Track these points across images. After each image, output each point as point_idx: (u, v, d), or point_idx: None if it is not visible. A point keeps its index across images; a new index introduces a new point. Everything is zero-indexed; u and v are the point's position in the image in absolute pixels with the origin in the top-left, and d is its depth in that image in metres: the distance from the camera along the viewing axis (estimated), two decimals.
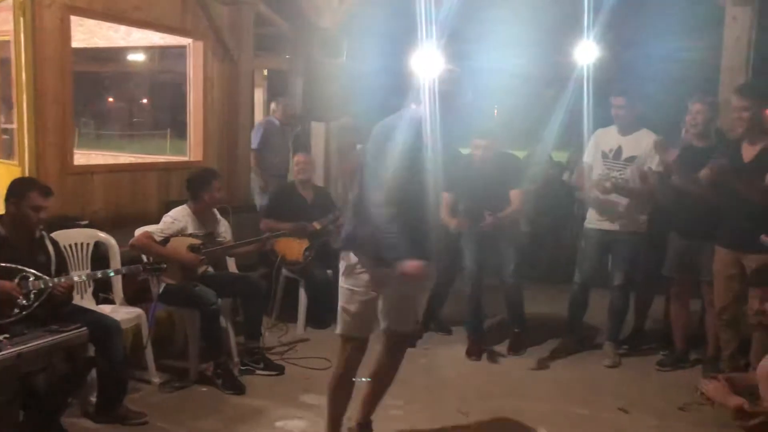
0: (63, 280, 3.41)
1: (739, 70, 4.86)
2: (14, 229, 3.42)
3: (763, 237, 2.86)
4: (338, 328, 3.23)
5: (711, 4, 5.09)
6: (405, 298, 3.27)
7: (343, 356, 3.24)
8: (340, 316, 3.20)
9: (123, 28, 5.89)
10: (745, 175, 3.89)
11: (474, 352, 4.78)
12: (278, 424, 3.67)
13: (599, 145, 4.70)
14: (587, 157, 4.79)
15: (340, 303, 3.19)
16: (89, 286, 4.18)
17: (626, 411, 3.92)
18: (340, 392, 3.28)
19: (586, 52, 6.24)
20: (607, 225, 4.64)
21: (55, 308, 3.40)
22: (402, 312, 3.29)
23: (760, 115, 3.92)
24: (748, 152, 3.97)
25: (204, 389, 4.10)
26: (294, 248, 5.19)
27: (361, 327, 3.19)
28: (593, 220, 4.72)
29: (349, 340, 3.21)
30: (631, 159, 4.55)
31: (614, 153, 4.61)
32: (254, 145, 6.92)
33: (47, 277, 3.39)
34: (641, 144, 4.54)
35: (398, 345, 3.38)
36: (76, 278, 3.56)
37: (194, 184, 4.44)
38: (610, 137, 4.67)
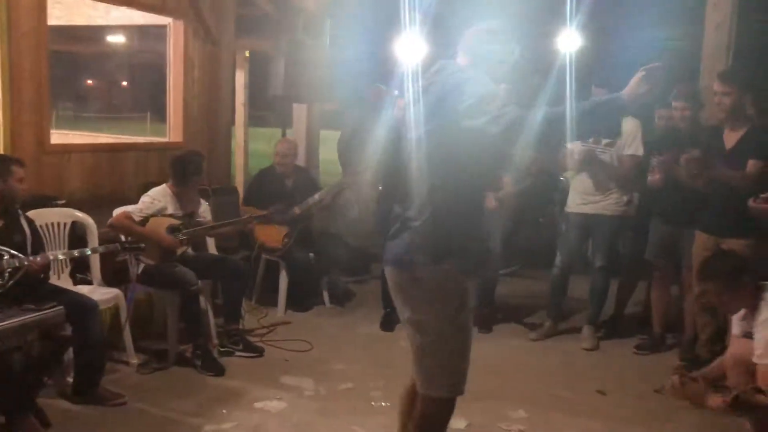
0: (39, 258, 3.36)
1: (719, 57, 4.88)
2: None
3: (751, 202, 2.88)
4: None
5: None
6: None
7: None
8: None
9: (102, 5, 5.79)
10: (726, 162, 3.92)
11: (479, 323, 4.82)
12: (257, 405, 3.65)
13: None
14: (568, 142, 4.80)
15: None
16: (66, 266, 4.12)
17: (604, 393, 3.96)
18: None
19: (569, 41, 6.27)
20: (587, 208, 4.67)
21: (32, 287, 3.35)
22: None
23: (741, 100, 3.95)
24: (730, 139, 4.00)
25: (183, 371, 4.07)
26: (273, 235, 5.16)
27: None
28: (574, 204, 4.75)
29: None
30: (611, 144, 4.58)
31: (594, 138, 4.63)
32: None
33: (22, 256, 3.34)
34: (622, 129, 4.57)
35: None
36: (52, 257, 3.50)
37: (181, 166, 4.38)
38: None
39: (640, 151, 4.54)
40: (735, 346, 3.24)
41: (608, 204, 4.62)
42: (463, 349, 2.43)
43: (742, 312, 3.22)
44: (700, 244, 4.13)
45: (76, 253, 3.69)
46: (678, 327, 4.67)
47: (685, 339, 4.48)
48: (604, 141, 4.60)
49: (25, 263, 3.30)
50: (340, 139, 5.41)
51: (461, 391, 2.44)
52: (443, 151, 2.31)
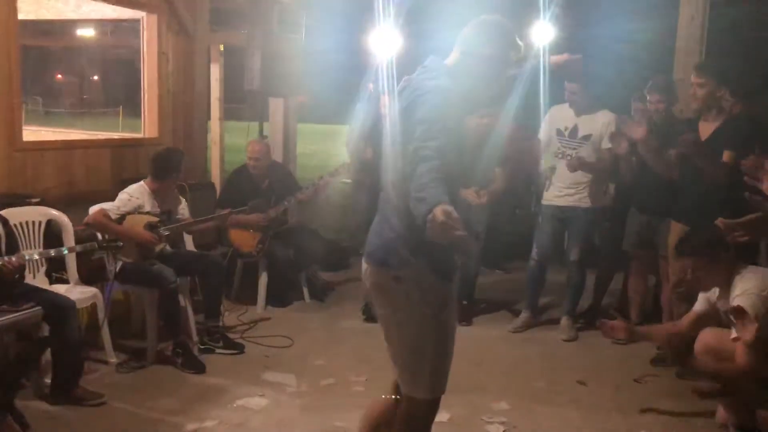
0: (14, 258, 3.30)
1: (693, 51, 4.94)
2: None
3: (720, 221, 2.96)
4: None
5: None
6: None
7: None
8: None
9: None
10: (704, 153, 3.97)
11: (460, 316, 4.84)
12: (239, 402, 3.63)
13: (554, 123, 4.77)
14: (542, 134, 4.85)
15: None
16: (42, 265, 4.06)
17: (584, 383, 4.01)
18: None
19: (543, 34, 6.29)
20: (562, 201, 4.72)
21: (6, 288, 3.29)
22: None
23: (716, 92, 4.00)
24: (705, 130, 4.05)
25: (163, 369, 4.03)
26: (247, 240, 5.12)
27: None
28: (550, 197, 4.79)
29: None
30: (587, 137, 4.63)
31: (570, 131, 4.69)
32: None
33: None
34: (597, 123, 4.63)
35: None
36: (27, 256, 3.44)
37: (162, 161, 4.33)
38: (565, 115, 4.73)
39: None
40: (706, 334, 3.28)
41: (583, 197, 4.67)
42: (446, 348, 2.39)
43: (717, 290, 3.26)
44: (675, 233, 4.19)
45: (52, 252, 3.63)
46: (655, 317, 4.75)
47: None
48: (580, 134, 4.65)
49: None
50: (348, 136, 5.27)
51: (443, 390, 2.42)
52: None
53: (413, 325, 2.33)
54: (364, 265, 2.45)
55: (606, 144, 4.60)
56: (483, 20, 2.37)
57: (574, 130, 4.67)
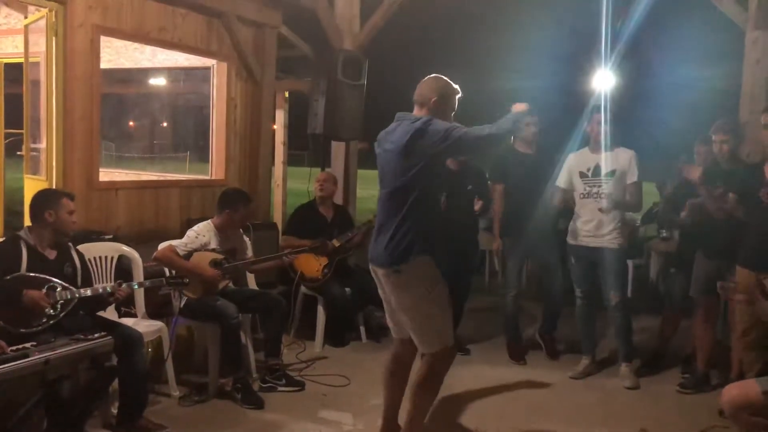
0: (124, 285, 3.64)
1: (759, 94, 4.88)
2: (48, 238, 3.52)
3: None
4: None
5: (732, 32, 5.14)
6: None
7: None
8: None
9: (149, 49, 6.03)
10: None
11: (516, 356, 5.10)
12: None
13: (574, 168, 4.79)
14: (559, 182, 4.86)
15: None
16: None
17: None
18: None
19: (604, 81, 6.34)
20: (589, 241, 4.69)
21: (101, 307, 3.70)
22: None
23: None
24: None
25: (223, 403, 4.11)
26: (313, 265, 5.24)
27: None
28: (577, 236, 4.74)
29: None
30: (611, 173, 4.64)
31: (593, 171, 4.70)
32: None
33: (74, 288, 3.45)
34: (619, 159, 4.65)
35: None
36: (101, 290, 3.60)
37: (227, 201, 4.51)
38: (584, 158, 4.78)
39: (637, 177, 4.63)
40: (731, 389, 3.14)
41: (610, 238, 4.64)
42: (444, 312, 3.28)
43: None
44: (741, 280, 4.07)
45: (123, 286, 3.77)
46: (723, 364, 4.57)
47: (732, 377, 4.37)
48: (604, 172, 4.63)
49: (77, 295, 3.42)
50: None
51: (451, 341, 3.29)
52: None
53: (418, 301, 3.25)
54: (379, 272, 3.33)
55: (632, 178, 4.61)
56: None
57: (597, 169, 4.68)
